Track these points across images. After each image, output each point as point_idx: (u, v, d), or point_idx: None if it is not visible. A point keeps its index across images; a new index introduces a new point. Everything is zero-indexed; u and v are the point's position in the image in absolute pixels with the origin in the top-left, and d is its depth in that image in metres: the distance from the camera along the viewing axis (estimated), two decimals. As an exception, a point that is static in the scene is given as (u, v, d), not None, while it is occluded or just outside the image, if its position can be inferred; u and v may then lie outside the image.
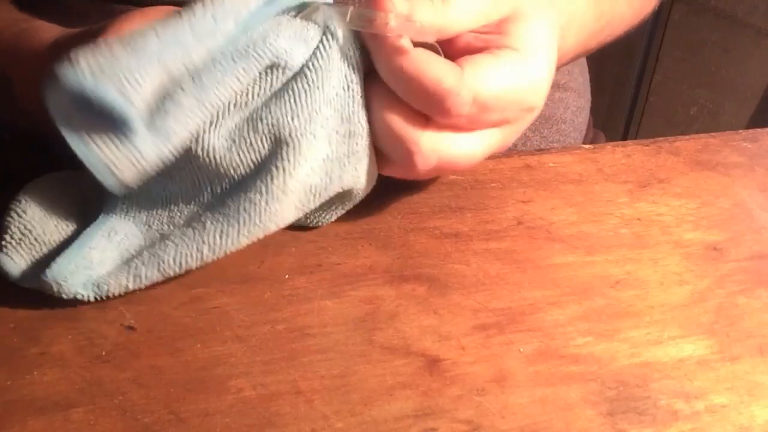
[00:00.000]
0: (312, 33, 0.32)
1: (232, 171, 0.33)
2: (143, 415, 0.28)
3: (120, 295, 0.32)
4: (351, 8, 0.32)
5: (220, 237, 0.33)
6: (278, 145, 0.32)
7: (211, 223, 0.33)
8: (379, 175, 0.37)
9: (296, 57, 0.32)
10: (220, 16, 0.30)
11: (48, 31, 0.40)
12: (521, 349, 0.32)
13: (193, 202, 0.34)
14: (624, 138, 1.53)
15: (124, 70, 0.28)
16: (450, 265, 0.36)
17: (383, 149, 0.35)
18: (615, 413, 0.30)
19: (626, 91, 1.53)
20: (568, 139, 0.59)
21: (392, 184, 0.39)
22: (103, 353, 0.31)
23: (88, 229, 0.33)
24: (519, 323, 0.33)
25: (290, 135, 0.32)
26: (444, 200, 0.41)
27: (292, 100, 0.32)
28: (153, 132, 0.29)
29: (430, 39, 0.32)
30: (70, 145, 0.29)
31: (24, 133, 0.47)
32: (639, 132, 1.54)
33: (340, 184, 0.35)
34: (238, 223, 0.32)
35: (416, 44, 0.32)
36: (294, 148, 0.32)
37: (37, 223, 0.33)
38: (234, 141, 0.32)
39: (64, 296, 0.31)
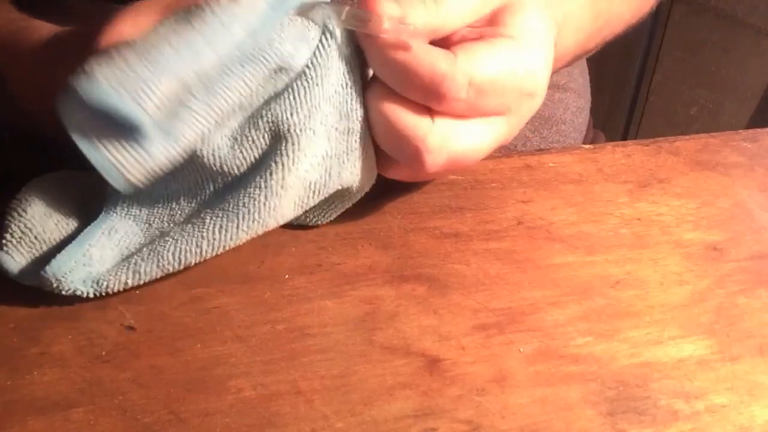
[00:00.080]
0: (313, 33, 0.32)
1: (234, 169, 0.33)
2: (143, 415, 0.28)
3: (119, 292, 0.33)
4: (346, 8, 0.32)
5: (219, 232, 0.33)
6: (278, 141, 0.32)
7: (211, 218, 0.33)
8: (379, 175, 0.37)
9: (300, 59, 0.32)
10: (228, 22, 0.30)
11: (45, 29, 0.40)
12: (521, 349, 0.32)
13: (194, 200, 0.34)
14: (624, 138, 1.53)
15: (140, 81, 0.28)
16: (450, 265, 0.36)
17: (389, 152, 0.35)
18: (615, 413, 0.30)
19: (626, 91, 1.53)
20: (568, 140, 0.59)
21: (392, 184, 0.39)
22: (103, 353, 0.31)
23: (88, 227, 0.33)
24: (519, 323, 0.33)
25: (289, 131, 0.32)
26: (444, 200, 0.41)
27: (291, 97, 0.32)
28: (164, 136, 0.30)
29: (425, 40, 0.32)
30: (81, 149, 0.30)
31: (24, 133, 0.47)
32: (639, 132, 1.54)
33: (339, 181, 0.35)
34: (237, 218, 0.33)
35: None
36: (293, 144, 0.32)
37: (38, 222, 0.33)
38: (236, 139, 0.33)
39: (64, 292, 0.31)
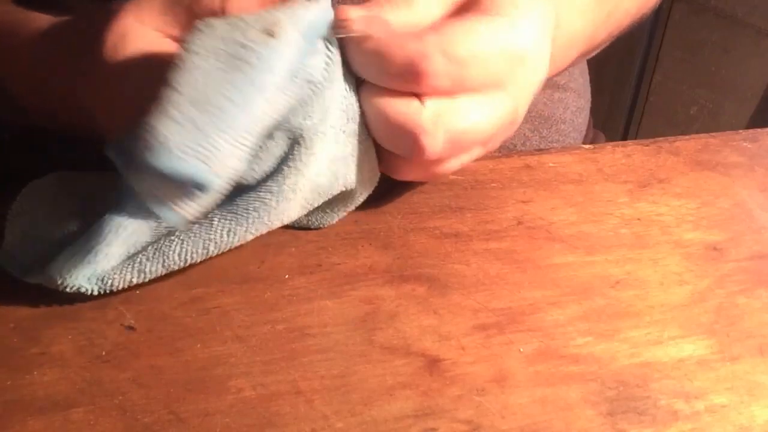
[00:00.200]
0: (323, 41, 0.33)
1: (249, 178, 0.33)
2: (143, 415, 0.28)
3: (119, 292, 0.33)
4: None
5: (227, 235, 0.33)
6: (291, 146, 0.33)
7: (219, 220, 0.33)
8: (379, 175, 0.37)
9: (319, 69, 0.32)
10: (274, 66, 0.30)
11: (43, 21, 0.40)
12: (521, 349, 0.32)
13: None
14: (624, 138, 1.53)
15: (208, 144, 0.28)
16: (450, 265, 0.36)
17: (389, 146, 0.35)
18: (615, 413, 0.30)
19: (626, 91, 1.53)
20: (567, 140, 0.59)
21: (392, 184, 0.39)
22: (103, 353, 0.31)
23: (95, 225, 0.33)
24: (519, 323, 0.33)
25: (302, 135, 0.32)
26: (444, 200, 0.41)
27: (303, 101, 0.32)
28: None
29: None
30: (140, 197, 0.29)
31: (24, 132, 0.47)
32: (639, 132, 1.54)
33: (343, 182, 0.35)
34: (247, 222, 0.33)
35: None
36: (306, 148, 0.32)
37: (40, 222, 0.33)
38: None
39: (69, 290, 0.31)
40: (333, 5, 0.32)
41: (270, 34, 0.29)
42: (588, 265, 0.37)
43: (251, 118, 0.29)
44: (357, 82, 0.34)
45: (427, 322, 0.33)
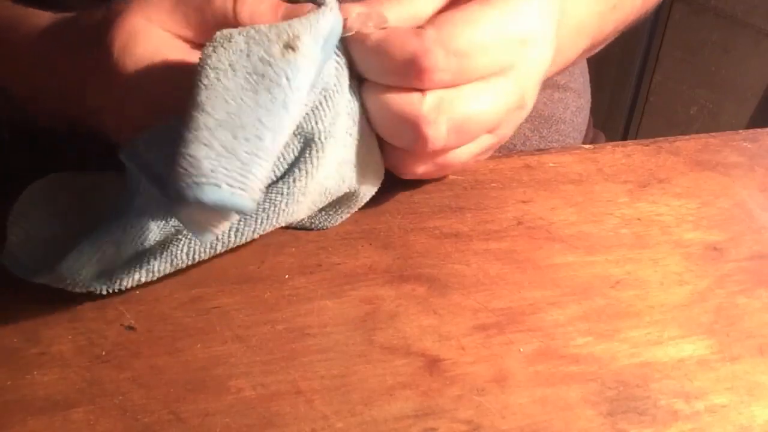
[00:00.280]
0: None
1: None
2: (143, 415, 0.28)
3: (120, 292, 0.33)
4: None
5: (235, 235, 0.33)
6: (303, 149, 0.33)
7: None
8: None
9: (332, 75, 0.33)
10: (298, 84, 0.30)
11: (42, 18, 0.39)
12: (521, 349, 0.32)
13: None
14: (624, 138, 1.53)
15: (246, 172, 0.28)
16: (450, 265, 0.36)
17: (392, 140, 0.34)
18: (615, 413, 0.30)
19: (626, 91, 1.53)
20: (567, 140, 0.59)
21: (392, 184, 0.39)
22: (103, 353, 0.31)
23: (103, 224, 0.33)
24: (519, 323, 0.33)
25: (314, 139, 0.33)
26: (444, 200, 0.41)
27: (316, 106, 0.33)
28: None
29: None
30: (174, 215, 0.30)
31: (24, 132, 0.47)
32: (639, 132, 1.54)
33: (349, 185, 0.35)
34: (255, 222, 0.33)
35: None
36: (318, 152, 0.33)
37: (42, 222, 0.33)
38: None
39: (77, 289, 0.31)
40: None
41: (291, 48, 0.29)
42: (588, 265, 0.37)
43: (282, 139, 0.29)
44: (359, 82, 0.34)
45: (427, 322, 0.33)
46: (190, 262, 0.33)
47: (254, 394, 0.29)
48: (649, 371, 0.32)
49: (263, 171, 0.28)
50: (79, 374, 0.30)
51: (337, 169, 0.34)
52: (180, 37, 0.34)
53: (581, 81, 0.62)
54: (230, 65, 0.29)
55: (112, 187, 0.35)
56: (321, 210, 0.37)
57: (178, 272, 0.34)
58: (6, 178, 0.35)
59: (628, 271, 0.37)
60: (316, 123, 0.32)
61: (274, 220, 0.33)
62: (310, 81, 0.30)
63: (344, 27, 0.32)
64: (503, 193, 0.42)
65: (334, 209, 0.37)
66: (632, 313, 0.34)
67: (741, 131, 0.50)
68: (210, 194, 0.27)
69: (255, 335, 0.32)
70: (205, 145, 0.27)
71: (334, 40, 0.32)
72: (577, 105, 0.60)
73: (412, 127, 0.33)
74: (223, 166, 0.27)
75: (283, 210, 0.33)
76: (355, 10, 0.32)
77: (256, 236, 0.33)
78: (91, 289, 0.32)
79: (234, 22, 0.33)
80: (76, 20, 0.37)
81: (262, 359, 0.31)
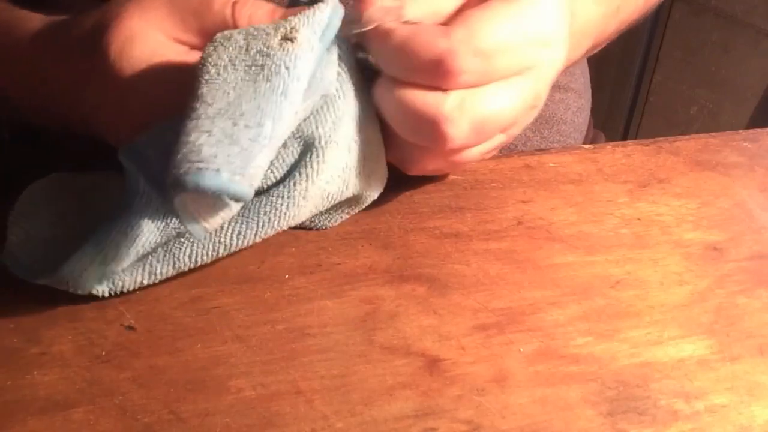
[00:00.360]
0: (333, 50, 0.33)
1: (262, 184, 0.33)
2: (143, 415, 0.28)
3: (130, 291, 0.33)
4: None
5: (237, 238, 0.33)
6: (303, 154, 0.33)
7: (229, 224, 0.33)
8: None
9: (332, 81, 0.33)
10: (298, 73, 0.30)
11: (36, 21, 0.39)
12: (521, 349, 0.32)
13: None
14: (624, 138, 1.53)
15: (250, 160, 0.28)
16: (450, 265, 0.36)
17: (409, 136, 0.34)
18: (615, 413, 0.30)
19: (626, 91, 1.53)
20: (568, 140, 0.59)
21: (392, 184, 0.39)
22: (103, 353, 0.31)
23: (104, 226, 0.33)
24: (519, 323, 0.33)
25: (314, 144, 0.33)
26: (444, 200, 0.41)
27: (317, 111, 0.33)
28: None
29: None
30: (171, 212, 0.30)
31: (24, 131, 0.47)
32: (639, 132, 1.54)
33: (353, 190, 0.36)
34: (257, 225, 0.33)
35: None
36: (318, 156, 0.33)
37: (42, 222, 0.33)
38: None
39: (79, 292, 0.32)
40: (348, 4, 0.32)
41: (289, 39, 0.30)
42: (588, 265, 0.37)
43: (282, 126, 0.29)
44: (367, 85, 0.34)
45: (427, 322, 0.33)
46: (192, 265, 0.33)
47: (254, 394, 0.29)
48: (649, 371, 0.32)
49: (263, 158, 0.28)
50: (79, 374, 0.30)
51: (339, 174, 0.34)
52: (176, 40, 0.34)
53: (582, 81, 0.62)
54: (230, 60, 0.29)
55: (113, 187, 0.35)
56: (322, 211, 0.37)
57: (178, 273, 0.34)
58: (6, 178, 0.35)
59: (628, 271, 0.37)
60: (317, 128, 0.33)
61: (276, 223, 0.33)
62: (310, 70, 0.30)
63: (362, 19, 0.32)
64: (503, 193, 0.42)
65: (336, 210, 0.37)
66: (632, 313, 0.34)
67: (741, 131, 0.50)
68: (209, 180, 0.27)
69: (255, 335, 0.32)
70: (206, 132, 0.27)
71: (333, 30, 0.32)
72: (578, 105, 0.60)
73: (433, 126, 0.32)
74: (224, 151, 0.27)
75: (284, 213, 0.33)
76: (377, 3, 0.32)
77: (258, 239, 0.33)
78: (94, 292, 0.32)
79: (232, 27, 0.33)
80: (67, 24, 0.37)
81: (262, 359, 0.31)
